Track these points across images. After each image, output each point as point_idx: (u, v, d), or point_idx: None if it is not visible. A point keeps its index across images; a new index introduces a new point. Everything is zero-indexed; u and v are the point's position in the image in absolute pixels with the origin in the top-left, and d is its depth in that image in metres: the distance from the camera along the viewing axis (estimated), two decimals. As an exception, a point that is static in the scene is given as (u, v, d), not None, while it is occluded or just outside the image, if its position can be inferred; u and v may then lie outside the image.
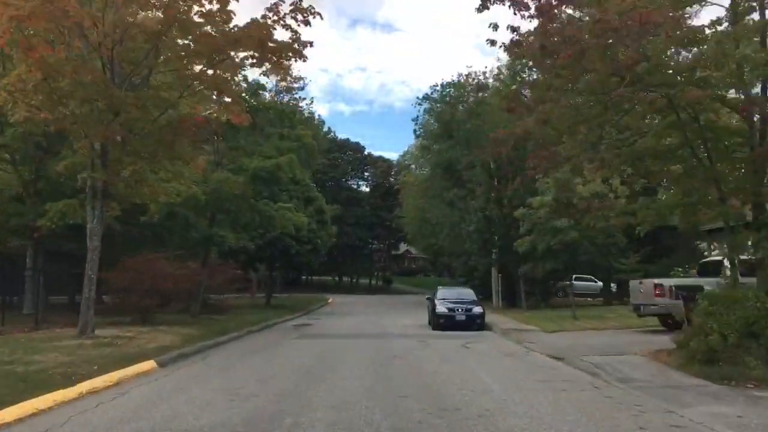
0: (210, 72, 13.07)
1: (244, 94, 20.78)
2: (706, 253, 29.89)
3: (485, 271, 32.21)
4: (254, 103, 20.85)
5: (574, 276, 36.26)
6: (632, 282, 16.78)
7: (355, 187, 68.83)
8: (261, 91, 20.60)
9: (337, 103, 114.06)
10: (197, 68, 12.80)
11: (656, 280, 15.49)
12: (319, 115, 65.19)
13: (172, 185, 17.79)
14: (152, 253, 17.27)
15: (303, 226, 23.75)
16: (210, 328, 16.98)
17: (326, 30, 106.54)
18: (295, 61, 13.30)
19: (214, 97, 13.93)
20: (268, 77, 38.13)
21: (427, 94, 35.71)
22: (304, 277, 65.15)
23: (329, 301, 40.85)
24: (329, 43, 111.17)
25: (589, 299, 38.96)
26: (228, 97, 13.52)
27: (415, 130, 37.12)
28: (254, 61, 13.18)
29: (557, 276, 28.13)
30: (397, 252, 78.02)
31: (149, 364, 10.54)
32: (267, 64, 13.17)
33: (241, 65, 13.23)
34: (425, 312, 27.79)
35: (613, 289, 39.18)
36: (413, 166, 60.67)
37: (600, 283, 41.30)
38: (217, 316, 21.12)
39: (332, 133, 68.60)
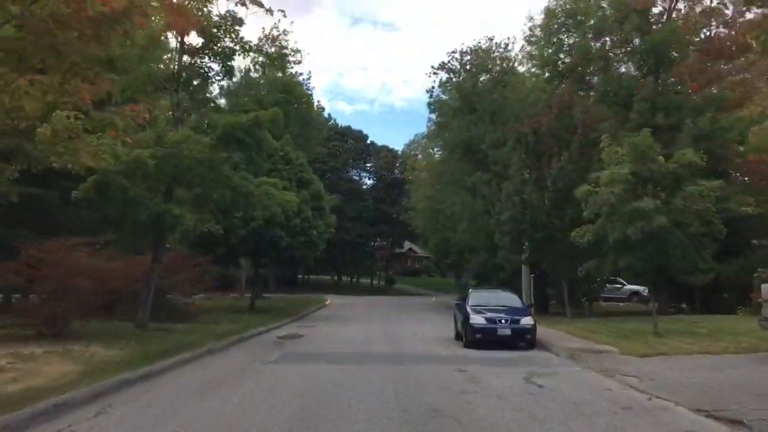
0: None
1: (215, 30, 15.52)
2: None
3: (512, 270, 26.98)
4: (230, 43, 15.57)
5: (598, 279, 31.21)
6: (766, 286, 11.51)
7: (356, 178, 63.46)
8: (238, 27, 15.30)
9: (338, 102, 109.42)
10: None
11: (820, 284, 10.21)
12: (318, 102, 59.62)
13: (104, 141, 12.61)
14: (69, 238, 11.90)
15: (293, 208, 18.41)
16: (151, 346, 11.70)
17: (327, 29, 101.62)
18: None
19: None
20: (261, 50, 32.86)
21: (443, 62, 30.39)
22: (300, 276, 59.78)
23: (327, 302, 35.54)
24: (330, 42, 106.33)
25: (620, 304, 33.93)
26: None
27: (429, 104, 31.81)
28: None
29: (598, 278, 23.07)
30: (400, 250, 72.59)
31: (-37, 439, 5.30)
32: None
33: None
34: (443, 317, 22.69)
35: (644, 293, 34.33)
36: (419, 156, 55.41)
37: (630, 286, 36.30)
38: (178, 326, 15.86)
39: (333, 121, 63.32)
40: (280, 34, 38.22)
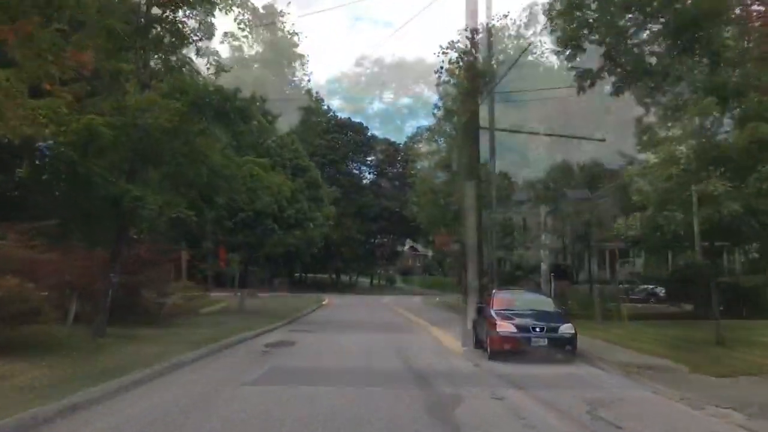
0: None
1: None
2: None
3: (530, 269, 24.49)
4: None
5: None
6: None
7: (356, 172, 60.77)
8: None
9: (337, 102, 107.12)
10: None
11: None
12: (317, 93, 56.76)
13: (45, 103, 10.12)
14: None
15: (285, 194, 15.91)
16: (98, 360, 9.21)
17: (326, 27, 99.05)
18: None
19: None
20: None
21: (452, 41, 27.78)
22: (298, 275, 57.18)
23: (324, 303, 32.99)
24: (329, 41, 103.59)
25: (638, 305, 31.72)
26: None
27: (437, 86, 29.15)
28: None
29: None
30: (401, 248, 70.03)
31: None
32: None
33: None
34: (451, 320, 20.37)
35: (661, 294, 32.13)
36: (423, 149, 52.83)
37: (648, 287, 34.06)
38: (146, 331, 13.37)
39: (332, 113, 60.73)
40: (277, 15, 35.88)
